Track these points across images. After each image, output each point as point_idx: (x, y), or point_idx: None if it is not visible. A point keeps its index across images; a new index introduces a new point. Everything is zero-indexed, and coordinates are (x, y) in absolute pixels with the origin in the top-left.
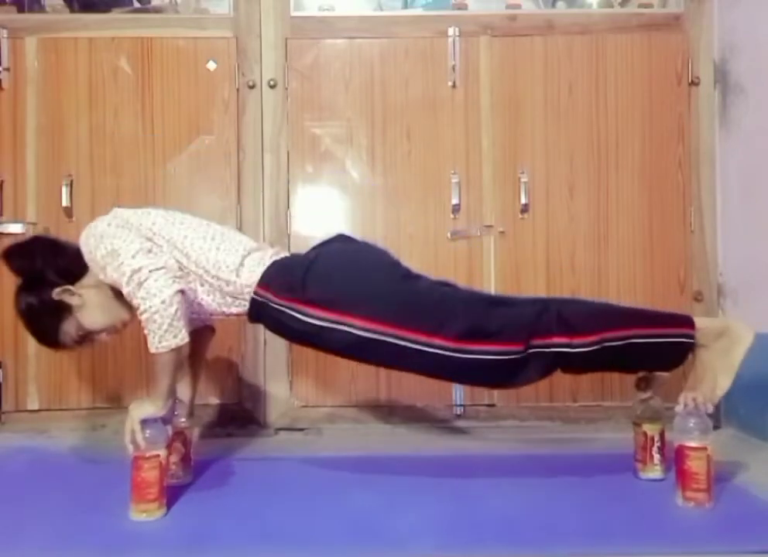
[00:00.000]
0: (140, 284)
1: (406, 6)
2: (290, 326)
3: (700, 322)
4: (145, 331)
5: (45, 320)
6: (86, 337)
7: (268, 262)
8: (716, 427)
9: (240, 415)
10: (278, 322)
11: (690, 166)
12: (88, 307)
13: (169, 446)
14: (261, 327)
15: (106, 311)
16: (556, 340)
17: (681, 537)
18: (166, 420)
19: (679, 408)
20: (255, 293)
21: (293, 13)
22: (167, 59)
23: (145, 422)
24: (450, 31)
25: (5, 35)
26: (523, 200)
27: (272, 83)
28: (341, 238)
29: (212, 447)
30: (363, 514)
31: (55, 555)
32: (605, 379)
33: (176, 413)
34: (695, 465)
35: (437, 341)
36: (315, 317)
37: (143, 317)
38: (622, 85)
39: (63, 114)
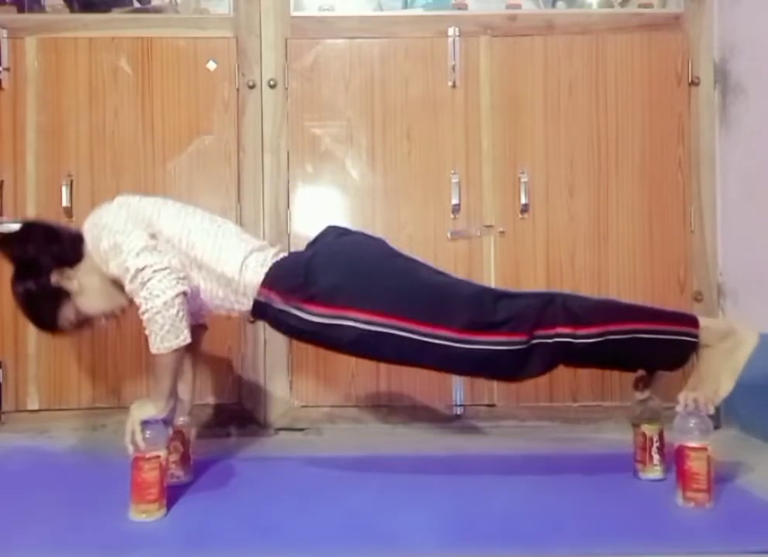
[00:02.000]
0: (143, 284)
1: (406, 6)
2: (294, 326)
3: (704, 322)
4: (147, 331)
5: (43, 305)
6: (84, 322)
7: (270, 263)
8: (716, 427)
9: (240, 414)
10: (281, 322)
11: (690, 166)
12: (86, 292)
13: (168, 446)
14: (261, 326)
15: (104, 296)
16: (560, 330)
17: (681, 537)
18: (166, 421)
19: (679, 408)
20: (258, 295)
21: (293, 13)
22: (167, 59)
23: (145, 423)
24: (450, 31)
25: (5, 35)
26: (523, 200)
27: (272, 83)
28: (335, 231)
29: (212, 447)
30: (363, 513)
31: (55, 555)
32: (605, 379)
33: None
34: (696, 465)
35: (441, 332)
36: (318, 315)
37: (145, 317)
38: (622, 85)
39: (63, 114)
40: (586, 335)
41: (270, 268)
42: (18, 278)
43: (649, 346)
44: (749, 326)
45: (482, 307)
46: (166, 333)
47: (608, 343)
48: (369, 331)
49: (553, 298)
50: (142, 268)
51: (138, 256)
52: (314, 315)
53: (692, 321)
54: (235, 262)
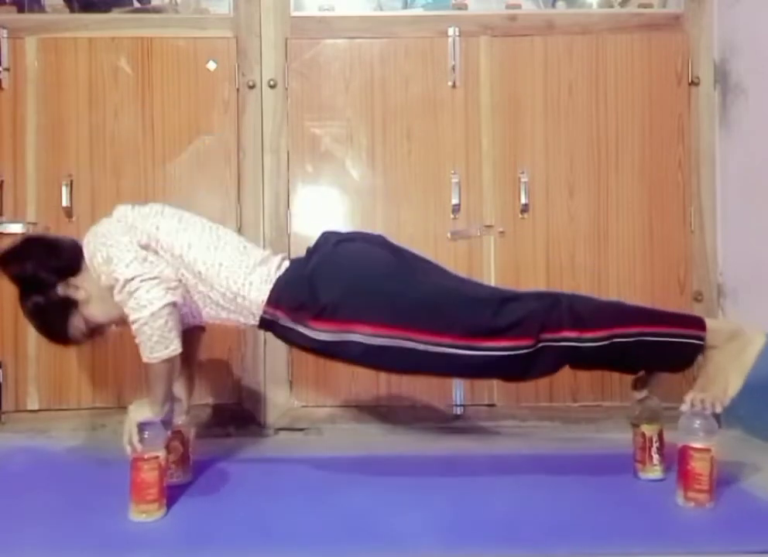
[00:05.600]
0: (131, 293)
1: (406, 6)
2: (301, 344)
3: (711, 324)
4: (137, 341)
5: (53, 318)
6: (95, 330)
7: (274, 278)
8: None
9: (240, 415)
10: (288, 339)
11: (690, 166)
12: (94, 300)
13: (167, 446)
14: None
15: (111, 303)
16: (566, 333)
17: (681, 537)
18: (165, 422)
19: (685, 407)
20: (264, 312)
21: (293, 13)
22: (167, 59)
23: (143, 424)
24: (450, 31)
25: (5, 35)
26: (523, 200)
27: (272, 83)
28: (334, 237)
29: (212, 447)
30: (363, 514)
31: (54, 555)
32: (605, 379)
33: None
34: (699, 466)
35: (447, 340)
36: (324, 332)
37: (133, 327)
38: (622, 85)
39: (63, 114)
40: (592, 338)
41: (274, 285)
42: (24, 295)
43: (655, 348)
44: (755, 327)
45: (487, 312)
46: (155, 344)
47: (615, 346)
48: (374, 345)
49: (558, 300)
50: (131, 279)
51: (128, 267)
52: (320, 332)
53: (699, 323)
54: (238, 280)
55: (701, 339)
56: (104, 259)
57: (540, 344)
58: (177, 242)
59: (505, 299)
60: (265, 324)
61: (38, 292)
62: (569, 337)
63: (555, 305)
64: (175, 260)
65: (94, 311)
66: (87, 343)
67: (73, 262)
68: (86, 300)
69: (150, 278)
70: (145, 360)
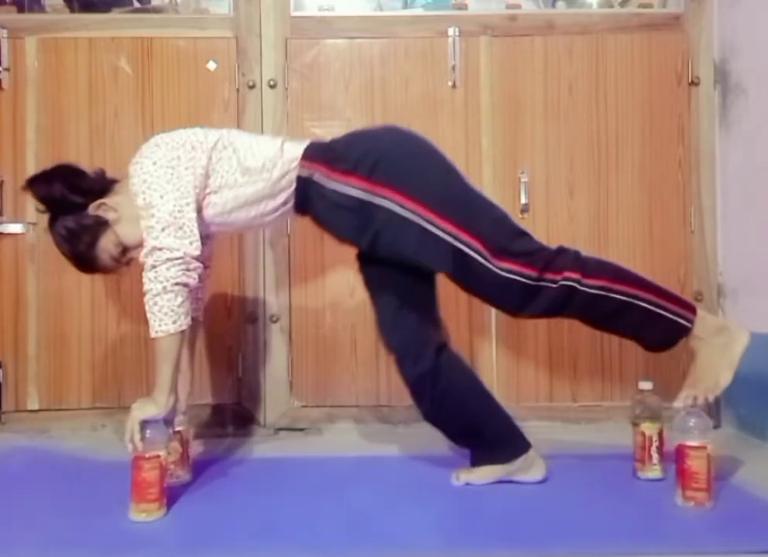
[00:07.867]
0: (154, 265)
1: (406, 6)
2: (333, 201)
3: (701, 312)
4: (148, 314)
5: (84, 240)
6: (124, 255)
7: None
8: (716, 426)
9: (240, 414)
10: (323, 198)
11: (690, 166)
12: (125, 219)
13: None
14: (261, 326)
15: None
16: (568, 274)
17: (681, 537)
18: (167, 421)
19: (678, 403)
20: (300, 168)
21: (293, 13)
22: (167, 59)
23: (145, 423)
24: (450, 31)
25: (5, 35)
26: (523, 200)
27: (272, 83)
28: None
29: (212, 447)
30: (363, 513)
31: (55, 555)
32: (605, 379)
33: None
34: (695, 464)
35: (465, 237)
36: (357, 188)
37: (146, 298)
38: (622, 85)
39: (63, 114)
40: (590, 285)
41: (308, 145)
42: (54, 219)
43: (646, 314)
44: (741, 325)
45: (506, 234)
46: (164, 316)
47: (609, 300)
48: (399, 214)
49: (566, 248)
50: (160, 249)
51: (162, 232)
52: (353, 188)
53: (691, 307)
54: (273, 146)
55: (690, 321)
56: (146, 203)
57: (542, 282)
58: (217, 134)
59: (520, 232)
60: (302, 185)
61: (68, 215)
62: (570, 278)
63: (563, 251)
64: (218, 152)
65: (126, 231)
66: (114, 270)
67: (101, 183)
68: (116, 220)
69: (176, 258)
70: (153, 335)
